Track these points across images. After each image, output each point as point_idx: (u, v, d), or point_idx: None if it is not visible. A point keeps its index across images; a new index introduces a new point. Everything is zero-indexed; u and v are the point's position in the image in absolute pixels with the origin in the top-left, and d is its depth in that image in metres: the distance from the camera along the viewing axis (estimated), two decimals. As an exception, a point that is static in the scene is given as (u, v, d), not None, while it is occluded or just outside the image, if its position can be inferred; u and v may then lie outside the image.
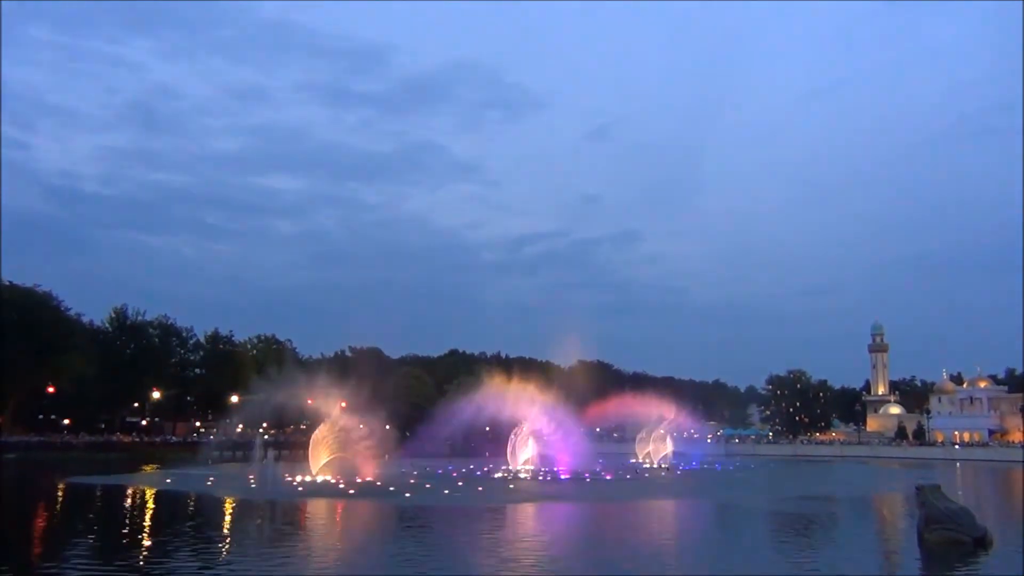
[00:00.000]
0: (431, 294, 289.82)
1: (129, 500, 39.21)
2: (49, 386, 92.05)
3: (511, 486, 48.82)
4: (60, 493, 43.17)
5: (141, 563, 20.53)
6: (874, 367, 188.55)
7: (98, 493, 42.60)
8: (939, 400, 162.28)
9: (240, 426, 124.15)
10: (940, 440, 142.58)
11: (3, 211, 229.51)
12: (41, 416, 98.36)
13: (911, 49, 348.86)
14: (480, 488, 46.53)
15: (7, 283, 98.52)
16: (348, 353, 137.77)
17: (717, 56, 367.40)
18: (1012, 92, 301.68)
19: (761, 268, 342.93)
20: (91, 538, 26.05)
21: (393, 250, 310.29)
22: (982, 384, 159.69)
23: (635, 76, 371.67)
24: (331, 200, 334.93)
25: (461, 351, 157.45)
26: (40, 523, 30.44)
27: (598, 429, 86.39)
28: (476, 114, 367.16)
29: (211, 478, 50.10)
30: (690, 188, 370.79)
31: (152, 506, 37.15)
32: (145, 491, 43.31)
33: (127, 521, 31.03)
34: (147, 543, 24.38)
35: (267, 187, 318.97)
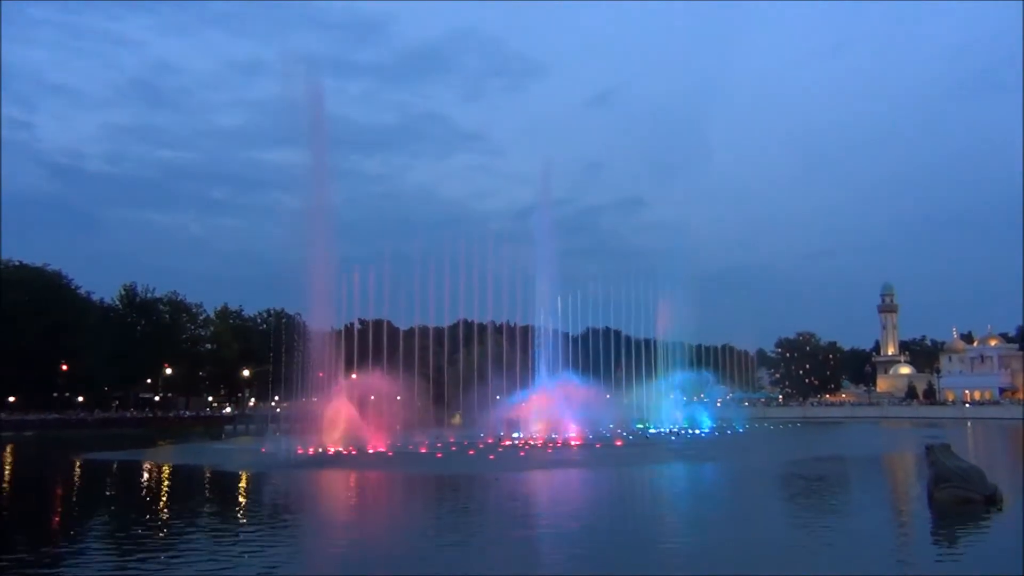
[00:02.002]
0: (438, 264, 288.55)
1: (145, 475, 39.62)
2: (62, 364, 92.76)
3: (522, 454, 49.10)
4: (77, 469, 43.62)
5: (161, 535, 20.79)
6: (884, 328, 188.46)
7: (114, 468, 43.04)
8: (949, 359, 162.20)
9: (253, 400, 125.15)
10: (951, 399, 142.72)
11: (8, 191, 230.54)
12: (55, 394, 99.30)
13: (916, 6, 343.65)
14: (491, 456, 46.81)
15: (17, 263, 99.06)
16: (357, 325, 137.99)
17: (720, 18, 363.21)
18: (1018, 47, 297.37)
19: (768, 231, 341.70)
20: (112, 512, 26.35)
21: (399, 222, 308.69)
22: (993, 342, 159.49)
23: (636, 41, 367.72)
24: (334, 172, 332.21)
25: (470, 320, 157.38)
26: (59, 498, 30.79)
27: (608, 396, 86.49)
28: (478, 83, 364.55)
29: (222, 452, 50.72)
30: (695, 153, 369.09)
31: (167, 480, 37.52)
32: (160, 466, 43.76)
33: (144, 495, 31.37)
34: (162, 516, 24.66)
35: (271, 161, 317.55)
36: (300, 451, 45.85)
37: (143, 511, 26.03)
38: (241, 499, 30.55)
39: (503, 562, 17.21)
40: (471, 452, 49.55)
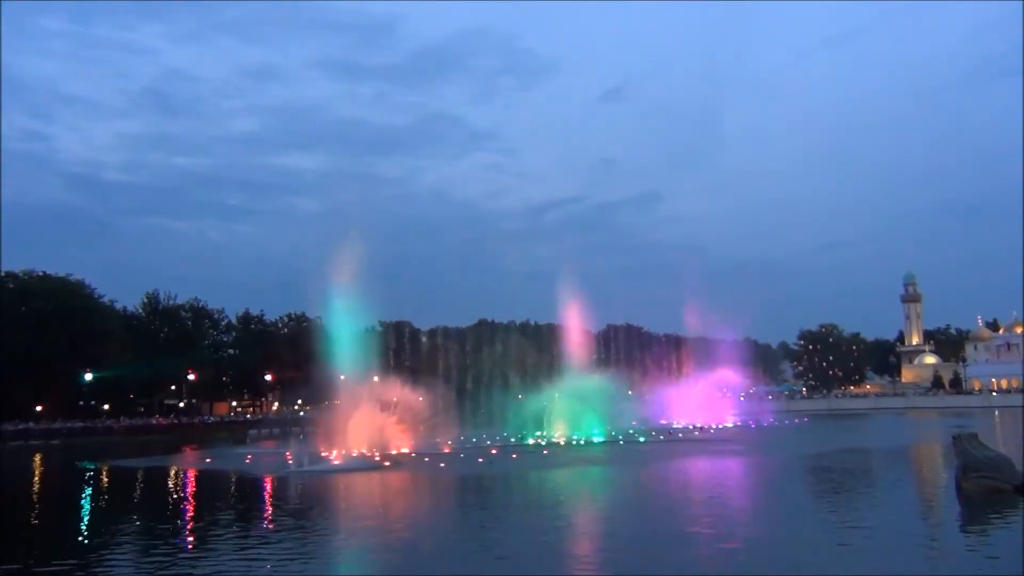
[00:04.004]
0: (456, 265, 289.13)
1: (172, 480, 39.98)
2: (87, 373, 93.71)
3: (545, 452, 49.11)
4: (105, 476, 44.06)
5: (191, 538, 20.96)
6: (908, 317, 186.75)
7: (141, 475, 43.42)
8: (975, 348, 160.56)
9: (276, 404, 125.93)
10: (977, 388, 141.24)
11: (28, 202, 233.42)
12: (81, 403, 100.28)
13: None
14: (514, 455, 46.89)
15: (41, 273, 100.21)
16: (378, 327, 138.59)
17: (730, 10, 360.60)
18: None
19: (787, 223, 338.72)
20: (152, 517, 26.57)
21: (414, 223, 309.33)
22: (1019, 329, 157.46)
23: (647, 34, 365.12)
24: (350, 176, 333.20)
25: (489, 320, 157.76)
26: (91, 505, 31.08)
27: (630, 392, 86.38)
28: (490, 82, 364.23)
29: (249, 456, 51.15)
30: (709, 146, 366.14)
31: (195, 485, 37.83)
32: (188, 471, 44.18)
33: (177, 500, 31.64)
34: (192, 520, 24.87)
35: (286, 166, 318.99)
36: (324, 455, 45.97)
37: (175, 517, 26.24)
38: (264, 504, 30.70)
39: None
40: (494, 451, 49.61)
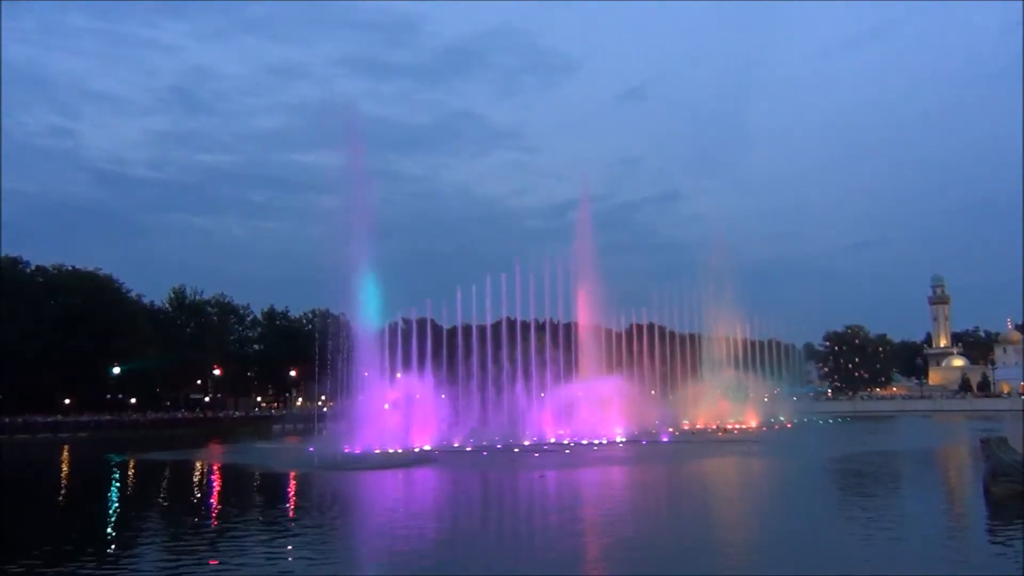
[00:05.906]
0: (478, 263, 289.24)
1: (197, 474, 40.38)
2: (115, 367, 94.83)
3: (567, 452, 49.05)
4: (132, 468, 44.59)
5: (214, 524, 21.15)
6: (935, 319, 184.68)
7: (167, 468, 43.85)
8: (1004, 350, 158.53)
9: (300, 400, 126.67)
10: (1006, 391, 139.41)
11: (56, 198, 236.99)
12: (109, 396, 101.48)
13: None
14: (536, 454, 46.90)
15: (70, 268, 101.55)
16: (401, 324, 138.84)
17: (753, 8, 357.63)
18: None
19: (812, 223, 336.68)
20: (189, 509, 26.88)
21: (437, 221, 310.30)
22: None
23: (669, 33, 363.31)
24: (372, 173, 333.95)
25: (512, 318, 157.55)
26: (118, 497, 31.48)
27: (653, 392, 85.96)
28: (512, 80, 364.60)
29: (273, 451, 51.58)
30: (731, 145, 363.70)
31: (219, 480, 38.19)
32: (213, 465, 44.60)
33: (201, 495, 31.97)
34: (216, 515, 25.14)
35: (309, 163, 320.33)
36: (347, 450, 46.22)
37: (200, 508, 26.50)
38: (285, 500, 30.94)
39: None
40: (516, 450, 49.65)
